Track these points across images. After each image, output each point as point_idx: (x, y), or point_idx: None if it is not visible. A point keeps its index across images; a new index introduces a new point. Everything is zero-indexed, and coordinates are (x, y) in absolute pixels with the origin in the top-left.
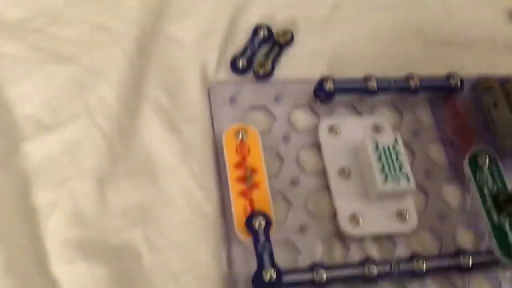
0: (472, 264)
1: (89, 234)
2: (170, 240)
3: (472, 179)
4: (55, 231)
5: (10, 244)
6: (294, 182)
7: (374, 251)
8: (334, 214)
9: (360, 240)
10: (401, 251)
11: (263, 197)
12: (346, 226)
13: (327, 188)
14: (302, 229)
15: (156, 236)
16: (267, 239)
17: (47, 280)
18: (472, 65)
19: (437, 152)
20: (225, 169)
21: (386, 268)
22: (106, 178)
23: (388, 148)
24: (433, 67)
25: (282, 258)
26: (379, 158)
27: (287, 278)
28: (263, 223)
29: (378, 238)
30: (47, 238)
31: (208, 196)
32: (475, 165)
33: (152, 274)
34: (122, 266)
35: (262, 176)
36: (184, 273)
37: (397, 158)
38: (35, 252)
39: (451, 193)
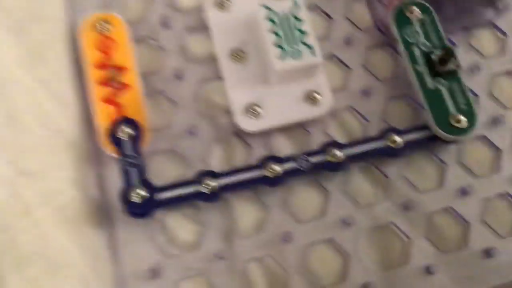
0: (404, 144)
1: None
2: (19, 168)
3: (399, 38)
4: None
5: None
6: (178, 76)
7: (283, 146)
8: (229, 109)
9: (264, 134)
10: (317, 138)
11: (133, 101)
12: (243, 121)
13: (219, 78)
14: (191, 132)
15: (3, 164)
16: (136, 151)
17: None
18: None
19: (359, 13)
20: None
21: (292, 164)
22: None
23: (286, 16)
24: None
25: (169, 170)
26: (274, 29)
27: (163, 195)
28: (128, 131)
29: (286, 130)
30: None
31: (64, 110)
32: (402, 21)
33: (3, 209)
34: None
35: (132, 75)
36: (39, 206)
37: (297, 28)
38: None
39: (378, 63)
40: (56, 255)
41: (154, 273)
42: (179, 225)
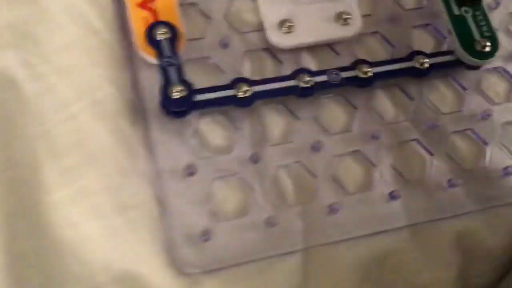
0: (429, 66)
1: None
2: (55, 65)
3: None
4: None
5: None
6: None
7: (311, 63)
8: (261, 25)
9: (294, 51)
10: (344, 60)
11: (168, 7)
12: (275, 36)
13: None
14: (223, 44)
15: (37, 60)
16: (173, 52)
17: None
18: None
19: None
20: None
21: (323, 77)
22: None
23: None
24: None
25: (202, 80)
26: None
27: (202, 97)
28: (167, 33)
29: (315, 48)
30: None
31: (98, 9)
32: None
33: (36, 104)
34: None
35: None
36: (76, 101)
37: None
38: None
39: None
40: (93, 147)
41: (189, 171)
42: (211, 129)
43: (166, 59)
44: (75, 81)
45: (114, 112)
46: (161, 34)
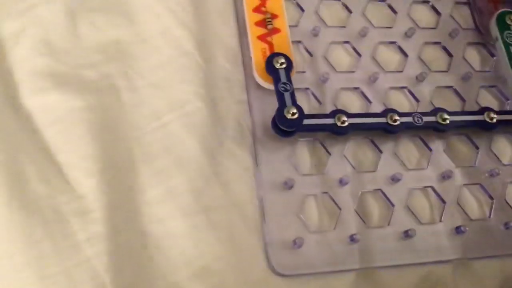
0: (496, 121)
1: (61, 66)
2: (150, 80)
3: (499, 38)
4: (23, 59)
5: None
6: (315, 33)
7: (395, 105)
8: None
9: (383, 92)
10: (423, 107)
11: (283, 42)
12: None
13: (348, 42)
14: (323, 80)
15: (135, 75)
16: (289, 79)
17: (19, 113)
18: None
19: (463, 14)
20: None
21: (409, 118)
22: (78, 9)
23: None
24: None
25: (302, 107)
26: None
27: (308, 121)
28: (284, 63)
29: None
30: (15, 67)
31: (190, 33)
32: (502, 25)
33: (132, 112)
34: (99, 99)
35: (282, 22)
36: (167, 112)
37: None
38: (5, 85)
39: (475, 55)
40: (181, 153)
41: (287, 185)
42: (306, 152)
43: (282, 85)
44: (167, 95)
45: (201, 124)
46: (280, 63)
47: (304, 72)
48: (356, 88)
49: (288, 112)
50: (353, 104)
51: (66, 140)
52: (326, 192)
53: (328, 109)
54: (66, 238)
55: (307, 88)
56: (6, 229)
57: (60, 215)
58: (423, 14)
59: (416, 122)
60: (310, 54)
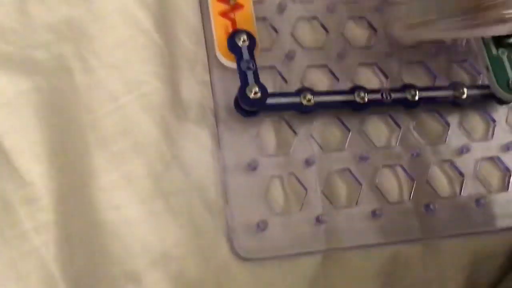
0: (466, 96)
1: (8, 46)
2: (106, 60)
3: None
4: None
5: None
6: (281, 9)
7: (364, 82)
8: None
9: (350, 70)
10: (392, 83)
11: (247, 18)
12: None
13: (316, 18)
14: (289, 57)
15: (90, 55)
16: (252, 57)
17: None
18: None
19: None
20: None
21: (377, 95)
22: None
23: None
24: None
25: (268, 85)
26: None
27: (272, 100)
28: (247, 40)
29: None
30: None
31: (147, 11)
32: None
33: (86, 94)
34: (50, 81)
35: None
36: (124, 94)
37: None
38: None
39: None
40: (138, 136)
41: (251, 166)
42: (271, 131)
43: (245, 63)
44: (124, 76)
45: (160, 105)
46: (242, 41)
47: (269, 50)
48: (323, 66)
49: (251, 91)
50: (321, 82)
51: (13, 125)
52: (292, 173)
53: (295, 88)
54: (12, 227)
55: (273, 67)
56: None
57: (6, 203)
58: None
59: (385, 99)
60: (276, 31)
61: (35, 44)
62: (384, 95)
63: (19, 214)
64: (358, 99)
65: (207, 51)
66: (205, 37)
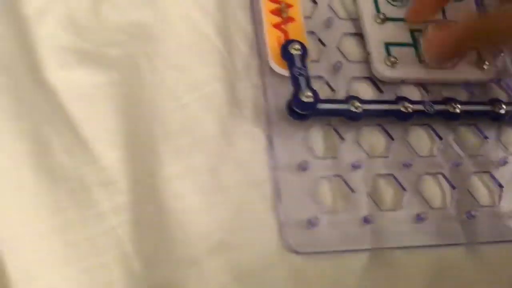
0: (505, 112)
1: (85, 43)
2: (170, 62)
3: None
4: (48, 35)
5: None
6: (328, 24)
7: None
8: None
9: (394, 83)
10: (434, 97)
11: (298, 30)
12: (380, 67)
13: (361, 34)
14: (335, 68)
15: (156, 56)
16: (304, 65)
17: (43, 87)
18: None
19: None
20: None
21: (420, 106)
22: None
23: None
24: None
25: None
26: None
27: (322, 106)
28: (299, 49)
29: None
30: (39, 42)
31: (209, 19)
32: None
33: (153, 91)
34: (123, 77)
35: (296, 11)
36: (186, 93)
37: None
38: (28, 60)
39: None
40: (200, 132)
41: (302, 167)
42: (320, 136)
43: (297, 69)
44: (186, 77)
45: (219, 105)
46: (295, 49)
47: (317, 61)
48: (367, 78)
49: (304, 95)
50: (366, 93)
51: (90, 114)
52: (339, 175)
53: (341, 96)
54: (91, 207)
55: (321, 77)
56: (33, 195)
57: (85, 185)
58: None
59: (428, 110)
60: (323, 44)
61: (108, 42)
62: (427, 107)
63: (96, 196)
64: (403, 109)
65: (259, 58)
66: (257, 45)
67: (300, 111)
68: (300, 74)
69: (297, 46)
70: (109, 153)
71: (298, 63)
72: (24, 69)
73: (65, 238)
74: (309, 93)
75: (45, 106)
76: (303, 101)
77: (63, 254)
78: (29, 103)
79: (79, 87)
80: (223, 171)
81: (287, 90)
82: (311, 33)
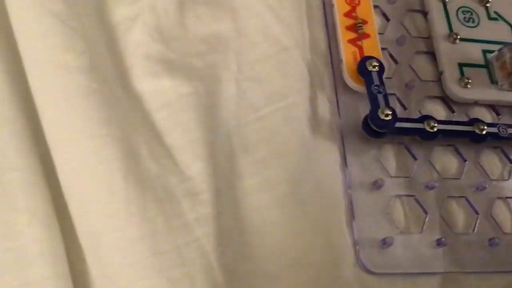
0: None
1: (171, 53)
2: (249, 74)
3: None
4: (137, 44)
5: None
6: (400, 42)
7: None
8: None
9: (466, 104)
10: (505, 119)
11: (373, 47)
12: (454, 88)
13: (432, 53)
14: (408, 86)
15: (235, 67)
16: (381, 81)
17: (130, 95)
18: None
19: None
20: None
21: (494, 129)
22: (186, 1)
23: None
24: None
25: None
26: None
27: (398, 124)
28: (377, 66)
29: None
30: (128, 51)
31: (288, 30)
32: None
33: (231, 102)
34: (205, 87)
35: (372, 27)
36: (265, 105)
37: None
38: (116, 67)
39: None
40: (279, 145)
41: (376, 185)
42: (392, 154)
43: (375, 87)
44: (265, 89)
45: (297, 118)
46: (372, 66)
47: (389, 79)
48: (439, 97)
49: (382, 113)
50: (437, 112)
51: (175, 124)
52: (412, 195)
53: (413, 115)
54: (178, 217)
55: (393, 94)
56: (123, 202)
57: (171, 194)
58: None
59: (501, 133)
60: (396, 61)
61: (192, 53)
62: (501, 129)
63: (183, 206)
64: (477, 131)
65: (333, 73)
66: (331, 61)
67: (378, 128)
68: (379, 92)
69: (375, 63)
70: (193, 163)
71: (375, 80)
72: (113, 76)
73: (153, 247)
74: (388, 111)
75: (132, 113)
76: (381, 119)
77: (150, 263)
78: (118, 109)
79: (164, 96)
80: (301, 185)
81: (359, 106)
82: (383, 49)
